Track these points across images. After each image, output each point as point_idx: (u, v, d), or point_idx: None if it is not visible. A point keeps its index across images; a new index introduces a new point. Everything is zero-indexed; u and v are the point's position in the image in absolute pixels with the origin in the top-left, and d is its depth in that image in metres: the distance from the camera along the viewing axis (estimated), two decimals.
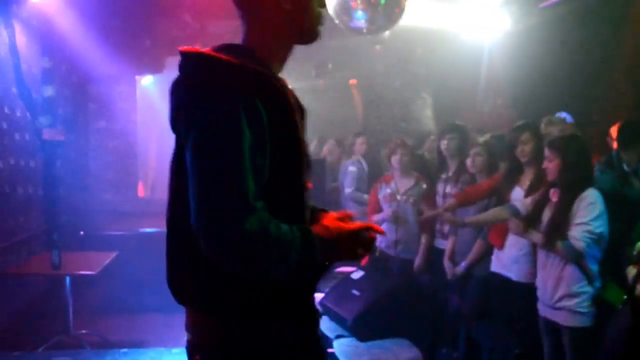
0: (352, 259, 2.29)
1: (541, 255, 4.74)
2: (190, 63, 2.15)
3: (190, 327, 2.26)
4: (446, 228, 6.20)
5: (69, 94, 9.14)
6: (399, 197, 6.60)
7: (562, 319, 4.54)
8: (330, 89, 14.05)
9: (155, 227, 8.47)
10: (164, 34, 9.38)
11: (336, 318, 6.11)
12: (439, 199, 6.28)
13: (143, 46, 9.47)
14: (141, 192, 12.05)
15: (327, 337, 6.00)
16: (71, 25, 8.14)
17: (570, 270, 4.48)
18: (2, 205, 6.77)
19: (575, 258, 4.43)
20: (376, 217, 6.64)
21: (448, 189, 6.18)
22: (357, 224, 2.26)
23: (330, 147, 9.61)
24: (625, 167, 5.15)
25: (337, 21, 6.91)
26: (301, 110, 2.30)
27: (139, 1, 8.84)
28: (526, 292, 5.00)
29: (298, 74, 13.04)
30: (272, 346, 2.19)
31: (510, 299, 5.33)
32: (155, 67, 9.53)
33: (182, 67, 2.19)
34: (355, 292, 6.19)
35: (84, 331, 6.93)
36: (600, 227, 4.38)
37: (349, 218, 2.35)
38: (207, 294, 2.15)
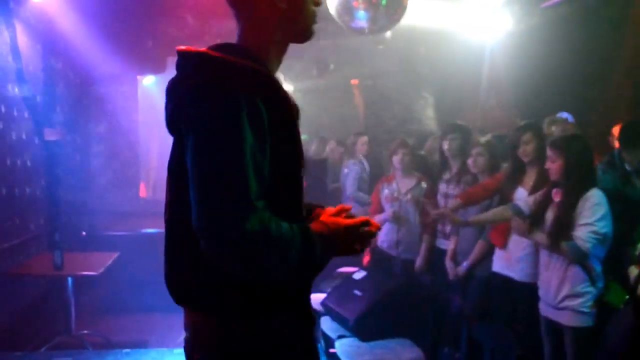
0: (351, 254, 2.29)
1: (544, 255, 4.73)
2: (190, 63, 2.15)
3: (190, 327, 2.26)
4: (448, 228, 6.20)
5: (70, 94, 9.13)
6: (400, 198, 6.60)
7: (565, 319, 4.54)
8: (332, 88, 14.06)
9: (157, 228, 8.42)
10: (166, 34, 9.38)
11: (338, 318, 6.11)
12: (440, 199, 6.28)
13: (145, 46, 9.47)
14: (143, 192, 12.06)
15: (329, 337, 6.00)
16: (72, 25, 8.13)
17: (574, 270, 4.48)
18: (3, 205, 6.76)
19: (580, 258, 4.43)
20: (378, 218, 6.63)
21: (450, 189, 6.18)
22: (354, 219, 2.27)
23: (332, 148, 9.61)
24: (627, 167, 5.15)
25: (338, 21, 6.91)
26: (296, 109, 2.30)
27: (141, 1, 8.83)
28: (528, 292, 5.00)
29: (299, 74, 13.07)
30: (272, 346, 2.19)
31: (512, 299, 5.33)
32: (156, 67, 9.52)
33: (180, 67, 2.19)
34: (357, 292, 6.19)
35: (85, 331, 6.93)
36: (605, 227, 4.38)
37: (346, 212, 2.35)
38: (206, 293, 2.14)
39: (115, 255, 7.00)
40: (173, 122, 2.19)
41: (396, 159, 6.66)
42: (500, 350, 5.37)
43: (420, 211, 6.52)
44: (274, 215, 1.99)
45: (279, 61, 2.35)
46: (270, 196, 2.02)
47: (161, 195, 2.27)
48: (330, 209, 2.38)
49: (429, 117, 11.72)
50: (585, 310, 4.45)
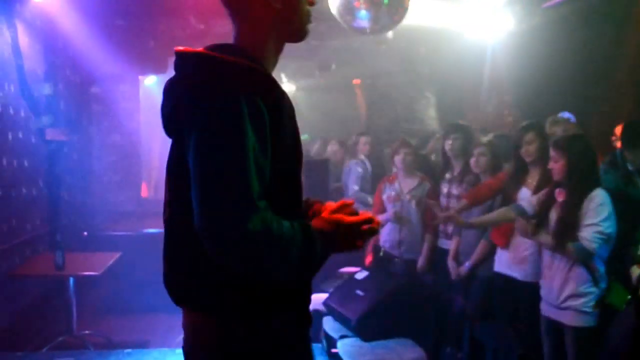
0: (352, 250, 2.30)
1: (547, 255, 4.73)
2: (189, 63, 2.15)
3: (189, 327, 2.27)
4: (450, 228, 6.20)
5: (71, 94, 9.13)
6: (402, 198, 6.60)
7: (568, 318, 4.53)
8: (334, 88, 14.07)
9: (159, 228, 8.37)
10: (167, 34, 9.38)
11: (340, 318, 6.11)
12: (443, 199, 6.27)
13: (146, 46, 9.47)
14: (144, 192, 12.05)
15: (331, 337, 6.00)
16: (74, 25, 8.14)
17: (578, 270, 4.48)
18: (4, 205, 6.76)
19: (586, 259, 4.43)
20: (380, 218, 6.62)
21: (452, 189, 6.19)
22: (356, 217, 2.28)
23: (333, 148, 9.60)
24: (629, 166, 5.15)
25: (340, 21, 6.90)
26: (292, 109, 2.29)
27: (142, 1, 8.83)
28: (530, 291, 5.00)
29: (301, 74, 13.07)
30: (272, 346, 2.19)
31: (514, 299, 5.33)
32: (158, 67, 9.51)
33: (179, 67, 2.20)
34: (359, 292, 6.18)
35: (87, 332, 6.95)
36: (610, 227, 4.38)
37: (348, 207, 2.35)
38: (206, 293, 2.14)
39: (117, 255, 7.00)
40: (172, 122, 2.20)
41: (398, 158, 6.67)
42: (502, 350, 5.36)
43: (422, 211, 6.53)
44: (275, 214, 2.00)
45: (275, 61, 2.35)
46: (271, 195, 2.02)
47: (163, 195, 2.27)
48: (331, 204, 2.39)
49: (430, 117, 11.72)
50: (588, 310, 4.44)
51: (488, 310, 5.65)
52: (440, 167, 6.69)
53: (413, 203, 6.54)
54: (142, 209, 9.97)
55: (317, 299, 6.39)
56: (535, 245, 4.99)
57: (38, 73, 7.83)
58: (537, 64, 8.31)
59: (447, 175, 6.34)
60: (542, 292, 4.79)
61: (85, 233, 8.98)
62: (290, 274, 2.06)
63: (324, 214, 2.27)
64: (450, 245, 6.17)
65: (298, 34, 2.38)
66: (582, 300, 4.45)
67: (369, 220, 2.28)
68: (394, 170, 6.93)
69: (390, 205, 6.68)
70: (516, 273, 5.23)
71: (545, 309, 4.77)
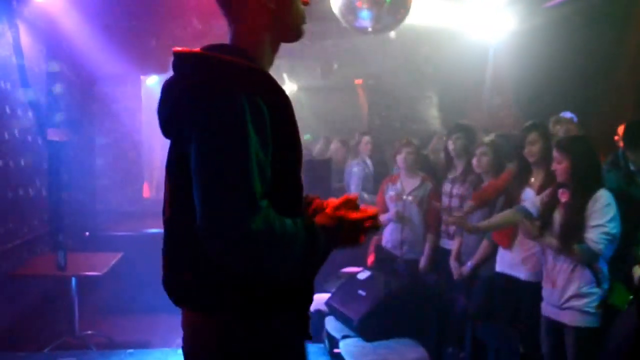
0: (354, 245, 2.30)
1: (549, 255, 4.71)
2: (188, 63, 2.16)
3: (189, 327, 2.27)
4: (452, 228, 6.19)
5: (73, 94, 9.12)
6: (404, 197, 6.59)
7: (570, 318, 4.52)
8: (336, 88, 14.07)
9: (161, 228, 8.43)
10: (169, 34, 9.37)
11: (342, 318, 6.11)
12: (445, 199, 6.27)
13: (148, 46, 9.46)
14: (146, 192, 12.04)
15: (333, 337, 6.00)
16: (75, 25, 8.13)
17: (581, 271, 4.47)
18: (6, 206, 6.77)
19: (592, 260, 4.42)
20: (382, 218, 6.62)
21: (455, 189, 6.18)
22: (359, 213, 2.29)
23: (336, 147, 9.60)
24: (631, 166, 5.13)
25: (342, 21, 6.90)
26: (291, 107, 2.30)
27: (144, 1, 8.83)
28: (533, 291, 4.99)
29: (303, 74, 13.06)
30: (272, 346, 2.19)
31: (516, 299, 5.32)
32: (160, 67, 9.51)
33: (177, 68, 2.20)
34: (361, 292, 6.18)
35: (89, 332, 6.95)
36: (615, 228, 4.38)
37: (351, 202, 2.35)
38: (206, 294, 2.14)
39: (119, 255, 7.01)
40: (170, 123, 2.20)
41: (400, 158, 6.66)
42: (504, 350, 5.36)
43: (424, 211, 6.52)
44: (277, 212, 2.00)
45: (271, 61, 2.35)
46: (271, 194, 2.02)
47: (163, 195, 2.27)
48: (333, 201, 2.38)
49: (432, 116, 11.72)
50: (591, 310, 4.43)
51: (490, 310, 5.64)
52: (442, 167, 6.68)
53: (415, 203, 6.54)
54: (144, 209, 9.96)
55: (320, 299, 6.40)
56: (538, 245, 4.98)
57: (39, 73, 7.83)
58: (539, 63, 8.31)
59: (450, 175, 6.33)
60: (544, 293, 4.78)
61: (87, 233, 8.99)
62: (293, 272, 2.08)
63: (328, 210, 2.27)
64: (452, 245, 6.17)
65: (293, 34, 2.38)
66: (585, 300, 4.44)
67: (372, 217, 2.30)
68: (397, 169, 6.93)
69: (392, 205, 6.67)
70: (520, 273, 5.22)
71: (547, 309, 4.76)
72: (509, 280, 5.33)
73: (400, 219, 6.58)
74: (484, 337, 5.62)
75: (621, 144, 5.38)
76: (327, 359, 6.10)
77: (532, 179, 5.29)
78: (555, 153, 4.65)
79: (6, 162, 6.75)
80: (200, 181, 1.96)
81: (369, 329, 5.83)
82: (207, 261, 2.01)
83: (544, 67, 8.22)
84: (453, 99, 10.81)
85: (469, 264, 5.85)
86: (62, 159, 8.21)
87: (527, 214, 4.87)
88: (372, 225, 2.30)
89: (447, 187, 6.31)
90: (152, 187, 13.40)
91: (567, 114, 6.72)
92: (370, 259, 7.19)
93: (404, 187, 6.65)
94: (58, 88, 8.07)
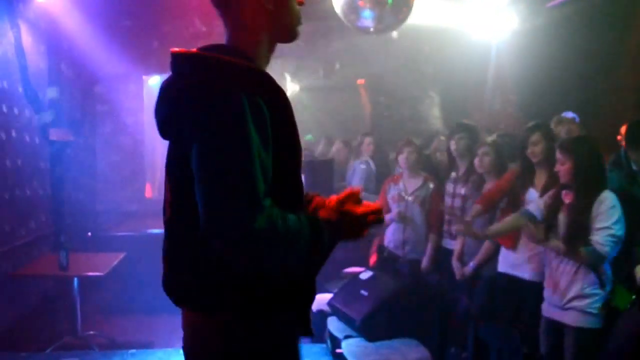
0: (358, 239, 2.32)
1: (551, 255, 4.70)
2: (187, 64, 2.16)
3: (189, 327, 2.28)
4: (454, 228, 6.18)
5: (75, 94, 9.14)
6: (406, 198, 6.59)
7: (572, 319, 4.51)
8: (338, 88, 14.05)
9: (163, 228, 8.45)
10: (171, 34, 9.39)
11: (345, 318, 6.10)
12: (448, 199, 6.27)
13: (150, 46, 9.48)
14: (148, 192, 12.03)
15: (335, 337, 6.00)
16: (77, 25, 8.15)
17: (584, 272, 4.45)
18: (8, 206, 6.77)
19: (597, 263, 4.41)
20: (385, 218, 6.61)
21: (458, 189, 6.17)
22: (364, 208, 2.30)
23: (338, 148, 9.59)
24: (633, 166, 5.12)
25: (344, 20, 6.90)
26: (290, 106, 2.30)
27: (146, 1, 8.84)
28: (536, 291, 4.98)
29: (305, 74, 13.05)
30: (272, 346, 2.20)
31: (519, 299, 5.31)
32: (162, 67, 9.50)
33: (176, 68, 2.20)
34: (363, 292, 6.18)
35: (91, 332, 6.94)
36: (620, 229, 4.37)
37: (355, 195, 2.35)
38: (206, 294, 2.14)
39: (121, 255, 7.00)
40: (169, 124, 2.20)
41: (402, 157, 6.66)
42: (507, 350, 5.35)
43: (426, 211, 6.52)
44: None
45: (267, 61, 2.36)
46: (272, 193, 2.03)
47: None
48: (334, 198, 2.38)
49: (434, 116, 11.71)
50: (593, 311, 4.42)
51: (492, 310, 5.64)
52: (445, 167, 6.68)
53: (417, 203, 6.53)
54: (146, 209, 9.95)
55: (322, 299, 6.40)
56: (544, 248, 4.96)
57: (41, 73, 7.83)
58: (541, 63, 8.31)
59: (453, 175, 6.32)
60: (545, 293, 4.77)
61: (89, 233, 8.99)
62: (298, 267, 2.10)
63: (332, 204, 2.29)
64: (454, 245, 6.16)
65: (289, 34, 2.39)
66: (588, 301, 4.43)
67: (376, 211, 2.31)
68: (399, 170, 6.92)
69: (394, 205, 6.67)
70: (525, 273, 5.20)
71: (547, 310, 4.75)
72: (511, 281, 5.32)
73: (402, 219, 6.57)
74: (487, 337, 5.61)
75: (623, 143, 5.38)
76: (329, 359, 6.10)
77: (536, 180, 5.27)
78: (558, 154, 4.63)
79: (8, 162, 6.75)
80: (203, 181, 1.96)
81: (371, 329, 5.82)
82: (207, 261, 2.04)
83: (546, 67, 8.23)
84: (455, 99, 10.81)
85: (471, 264, 5.85)
86: (63, 159, 8.21)
87: (531, 217, 4.85)
88: (376, 220, 2.31)
89: (449, 187, 6.30)
90: (154, 187, 13.38)
91: (569, 114, 6.71)
92: (373, 259, 7.19)
93: (406, 187, 6.65)
94: (56, 91, 8.06)
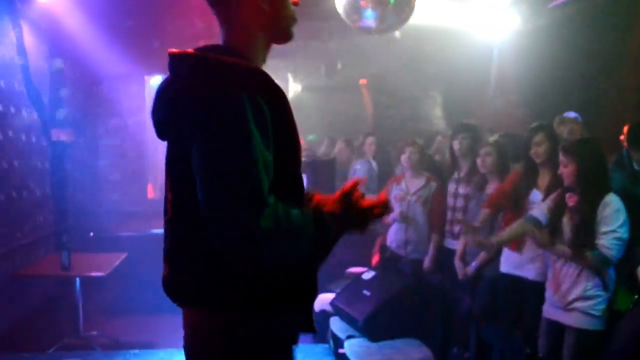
0: (362, 231, 2.34)
1: (556, 259, 4.69)
2: (186, 64, 2.16)
3: (189, 327, 2.28)
4: (456, 228, 6.18)
5: (77, 95, 9.14)
6: (408, 198, 6.58)
7: (573, 320, 4.50)
8: (340, 88, 14.04)
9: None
10: (173, 34, 9.38)
11: (347, 318, 6.10)
12: (450, 199, 6.26)
13: (152, 46, 9.46)
14: (150, 193, 12.03)
15: (338, 337, 6.00)
16: (79, 25, 8.14)
17: (588, 273, 4.44)
18: (10, 206, 6.77)
19: (604, 266, 4.40)
20: (387, 218, 6.61)
21: (460, 189, 6.17)
22: (369, 201, 2.33)
23: (340, 148, 9.59)
24: (635, 166, 5.12)
25: (346, 20, 6.89)
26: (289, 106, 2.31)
27: (148, 1, 8.83)
28: (538, 291, 4.97)
29: (308, 74, 13.05)
30: (272, 346, 2.21)
31: (521, 299, 5.30)
32: (164, 67, 9.48)
33: (174, 69, 2.20)
34: (366, 292, 6.18)
35: (94, 332, 6.94)
36: (626, 232, 4.36)
37: (357, 187, 2.35)
38: (207, 293, 2.14)
39: (123, 255, 7.01)
40: (167, 124, 2.21)
41: (404, 158, 6.66)
42: (509, 350, 5.35)
43: (428, 211, 6.51)
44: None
45: (263, 61, 2.36)
46: (273, 193, 2.03)
47: None
48: (335, 196, 2.38)
49: (437, 116, 11.72)
50: (596, 313, 4.41)
51: (495, 310, 5.63)
52: (447, 167, 6.67)
53: (419, 203, 6.53)
54: (148, 210, 9.93)
55: (324, 299, 6.40)
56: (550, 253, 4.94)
57: (43, 74, 7.83)
58: (543, 63, 8.31)
59: (455, 175, 6.32)
60: (547, 294, 4.76)
61: (91, 234, 8.98)
62: (300, 264, 2.12)
63: (337, 196, 2.29)
64: (456, 245, 6.15)
65: (284, 35, 2.39)
66: (590, 302, 4.42)
67: (382, 204, 2.34)
68: (401, 170, 6.92)
69: (396, 205, 6.66)
70: (529, 273, 5.20)
71: (548, 311, 4.74)
72: (513, 281, 5.32)
73: (405, 219, 6.57)
74: (489, 338, 5.61)
75: (626, 143, 5.37)
76: (332, 359, 6.10)
77: (539, 181, 5.26)
78: (561, 156, 4.62)
79: (10, 162, 6.75)
80: (206, 181, 1.97)
81: (374, 329, 5.82)
82: (207, 261, 2.05)
83: (548, 67, 8.23)
84: (457, 99, 10.81)
85: (474, 264, 5.84)
86: (65, 160, 8.21)
87: (536, 223, 4.82)
88: (382, 213, 2.34)
89: (452, 187, 6.30)
90: (157, 187, 13.38)
91: (572, 114, 6.71)
92: (375, 259, 7.19)
93: (409, 187, 6.64)
94: (65, 92, 8.07)
